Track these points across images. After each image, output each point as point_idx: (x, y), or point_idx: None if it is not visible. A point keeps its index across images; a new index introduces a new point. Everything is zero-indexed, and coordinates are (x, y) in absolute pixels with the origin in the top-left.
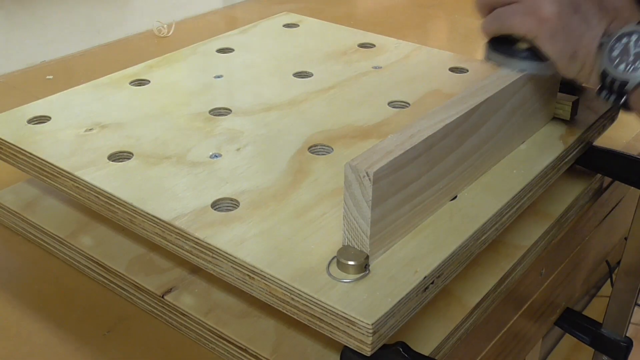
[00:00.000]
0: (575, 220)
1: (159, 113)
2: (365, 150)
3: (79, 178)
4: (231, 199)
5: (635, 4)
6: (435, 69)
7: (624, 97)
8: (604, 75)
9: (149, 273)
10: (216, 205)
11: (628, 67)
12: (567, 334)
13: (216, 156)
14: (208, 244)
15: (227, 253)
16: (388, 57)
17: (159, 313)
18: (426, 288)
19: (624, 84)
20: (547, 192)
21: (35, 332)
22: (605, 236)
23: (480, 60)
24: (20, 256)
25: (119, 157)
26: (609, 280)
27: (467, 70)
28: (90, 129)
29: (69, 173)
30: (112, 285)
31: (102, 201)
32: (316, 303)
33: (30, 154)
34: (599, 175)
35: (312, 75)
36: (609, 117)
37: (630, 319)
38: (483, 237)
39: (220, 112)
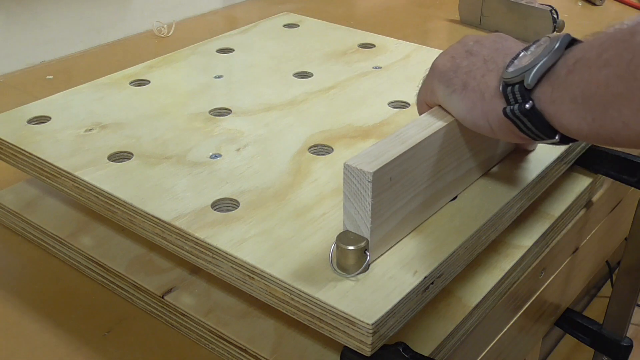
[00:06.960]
0: (575, 220)
1: (159, 113)
2: (365, 150)
3: (78, 178)
4: (231, 199)
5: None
6: None
7: (531, 102)
8: (503, 91)
9: (149, 273)
10: (216, 205)
11: (514, 64)
12: (567, 334)
13: (216, 156)
14: (208, 244)
15: (227, 253)
16: (388, 57)
17: (158, 313)
18: (426, 288)
19: (522, 84)
20: (547, 192)
21: (35, 332)
22: (605, 236)
23: None
24: (20, 256)
25: (119, 157)
26: (609, 280)
27: None
28: (90, 129)
29: (68, 173)
30: (112, 285)
31: (102, 201)
32: (316, 303)
33: (30, 154)
34: (599, 175)
35: (312, 75)
36: None
37: (630, 320)
38: (483, 238)
39: (220, 112)
